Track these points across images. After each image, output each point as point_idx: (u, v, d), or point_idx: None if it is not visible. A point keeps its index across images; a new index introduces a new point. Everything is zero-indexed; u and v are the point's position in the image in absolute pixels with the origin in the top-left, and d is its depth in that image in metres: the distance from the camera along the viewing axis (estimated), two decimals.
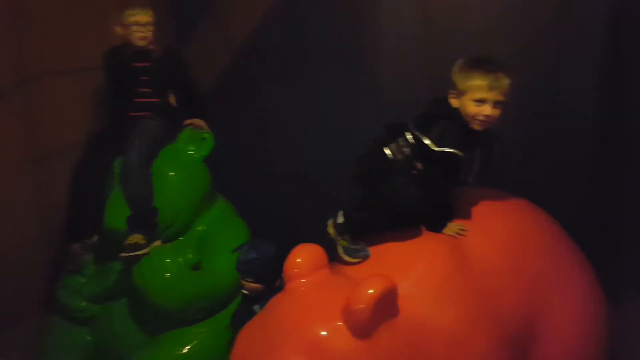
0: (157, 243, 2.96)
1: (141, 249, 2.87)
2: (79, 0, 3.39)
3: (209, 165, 3.19)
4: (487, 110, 2.13)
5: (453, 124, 2.16)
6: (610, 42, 3.18)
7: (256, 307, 2.62)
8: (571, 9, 3.22)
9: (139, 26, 3.07)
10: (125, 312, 3.09)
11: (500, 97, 2.13)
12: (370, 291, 1.87)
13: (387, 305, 1.91)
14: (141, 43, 3.10)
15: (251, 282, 2.56)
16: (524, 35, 3.28)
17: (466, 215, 2.38)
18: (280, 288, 2.43)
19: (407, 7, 3.45)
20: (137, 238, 2.86)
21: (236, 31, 3.71)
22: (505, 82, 2.13)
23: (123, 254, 2.86)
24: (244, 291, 2.60)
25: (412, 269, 2.14)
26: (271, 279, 2.56)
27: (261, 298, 2.56)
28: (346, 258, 2.25)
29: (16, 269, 2.99)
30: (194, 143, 3.15)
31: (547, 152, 3.35)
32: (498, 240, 2.30)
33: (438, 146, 2.13)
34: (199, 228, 3.13)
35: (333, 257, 2.30)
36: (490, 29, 3.29)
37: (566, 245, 2.49)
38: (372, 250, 2.25)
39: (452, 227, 2.27)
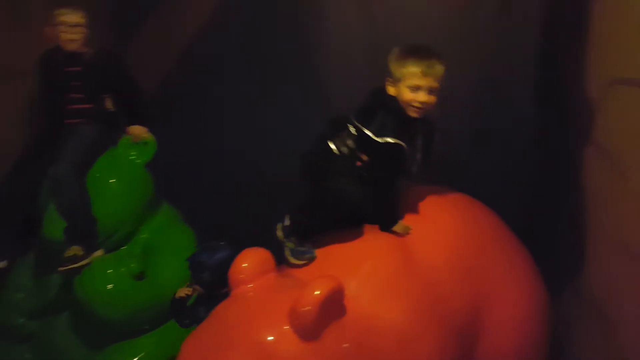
0: (99, 253, 2.86)
1: (80, 261, 2.77)
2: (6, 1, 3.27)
3: (153, 171, 3.12)
4: (422, 96, 2.15)
5: (391, 114, 2.18)
6: (546, 39, 3.28)
7: (201, 309, 2.57)
8: (510, 9, 3.29)
9: (67, 27, 2.93)
10: (67, 326, 2.98)
11: (434, 84, 2.16)
12: (317, 292, 1.85)
13: (334, 306, 1.90)
14: (70, 46, 2.97)
15: (196, 287, 2.53)
16: (465, 34, 3.34)
17: (409, 212, 2.40)
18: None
19: (352, 9, 3.46)
20: (75, 250, 2.76)
21: (180, 33, 3.63)
22: (439, 68, 2.17)
23: (61, 268, 2.75)
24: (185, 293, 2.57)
25: (359, 269, 2.13)
26: (216, 287, 2.50)
27: (206, 300, 2.52)
28: (292, 260, 2.23)
29: None
30: (135, 148, 3.06)
31: (488, 149, 3.42)
32: (441, 236, 2.32)
33: (379, 137, 2.15)
34: (143, 236, 3.06)
35: (281, 261, 2.28)
36: (432, 29, 3.34)
37: (508, 240, 2.54)
38: (319, 252, 2.23)
39: (401, 226, 2.28)
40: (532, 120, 3.36)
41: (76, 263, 2.75)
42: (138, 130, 3.05)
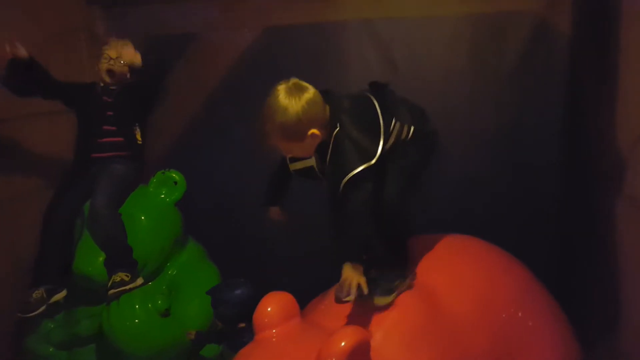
0: (140, 281, 2.92)
1: (127, 285, 2.84)
2: (55, 45, 3.41)
3: (181, 208, 3.18)
4: None
5: None
6: (572, 87, 3.29)
7: (223, 347, 2.75)
8: (533, 56, 3.32)
9: (110, 59, 3.06)
10: (93, 358, 3.02)
11: None
12: (343, 344, 1.86)
13: (359, 357, 1.90)
14: (107, 77, 3.09)
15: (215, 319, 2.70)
16: (489, 81, 3.38)
17: (436, 261, 2.40)
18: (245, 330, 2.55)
19: (372, 54, 3.53)
20: (121, 275, 2.84)
21: (208, 74, 3.73)
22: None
23: (111, 291, 2.81)
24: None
25: (384, 319, 2.14)
26: (233, 321, 2.65)
27: (226, 338, 2.68)
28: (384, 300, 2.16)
29: None
30: (165, 186, 3.13)
31: (515, 198, 3.42)
32: (468, 287, 2.32)
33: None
34: (170, 272, 3.11)
35: (303, 306, 2.29)
36: (455, 73, 3.39)
37: (539, 293, 2.51)
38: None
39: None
40: (558, 169, 3.35)
41: (124, 286, 2.83)
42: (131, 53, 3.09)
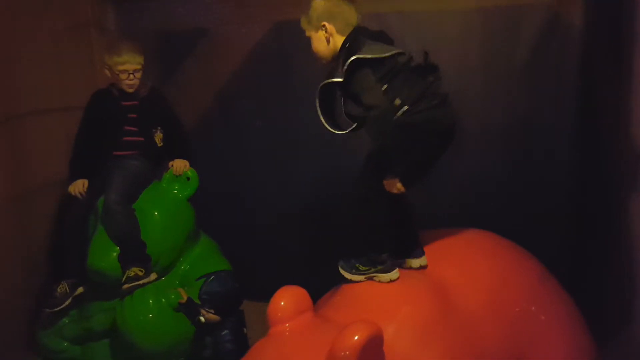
0: (154, 276, 2.95)
1: (141, 280, 2.88)
2: (65, 40, 3.43)
3: (193, 203, 3.19)
4: None
5: None
6: (585, 80, 3.26)
7: (207, 340, 2.87)
8: (546, 50, 3.30)
9: (128, 74, 3.06)
10: (107, 353, 3.05)
11: None
12: (356, 337, 1.86)
13: (372, 351, 1.91)
14: (129, 90, 3.10)
15: (211, 312, 2.80)
16: (499, 75, 3.36)
17: (448, 255, 2.40)
18: (235, 322, 2.81)
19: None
20: (136, 270, 2.87)
21: (220, 69, 3.73)
22: None
23: (125, 286, 2.85)
24: (202, 318, 2.79)
25: (396, 314, 2.15)
26: (229, 313, 2.83)
27: (215, 330, 2.81)
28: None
29: None
30: (178, 182, 3.14)
31: (528, 193, 3.40)
32: (481, 281, 2.32)
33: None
34: (182, 267, 3.12)
35: (316, 300, 2.30)
36: (469, 69, 3.37)
37: (552, 287, 2.51)
38: (355, 294, 2.26)
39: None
40: (572, 164, 3.32)
41: (138, 281, 2.86)
42: (180, 164, 3.14)
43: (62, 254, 3.02)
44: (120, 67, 3.04)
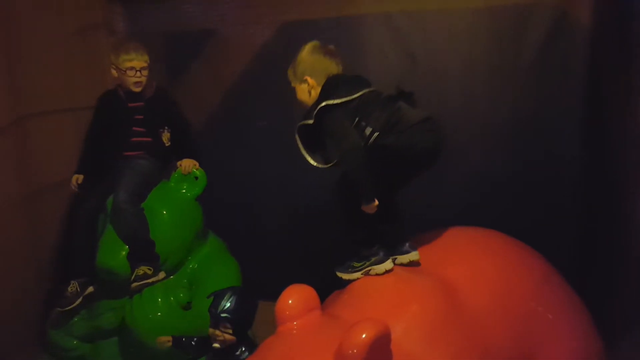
0: (162, 275, 2.97)
1: (150, 278, 2.90)
2: (74, 40, 3.45)
3: (201, 202, 3.21)
4: None
5: None
6: (592, 79, 3.25)
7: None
8: (553, 48, 3.29)
9: (135, 71, 3.08)
10: (115, 350, 3.07)
11: None
12: (363, 335, 1.86)
13: (380, 349, 1.91)
14: (136, 88, 3.11)
15: (228, 332, 2.47)
16: (507, 74, 3.35)
17: (456, 254, 2.40)
18: (249, 341, 2.52)
19: (391, 47, 3.52)
20: (144, 269, 2.89)
21: (227, 69, 3.75)
22: None
23: (134, 284, 2.87)
24: (216, 345, 2.48)
25: (404, 312, 2.15)
26: (246, 332, 2.57)
27: (233, 351, 2.49)
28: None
29: (6, 306, 2.98)
30: (186, 182, 3.17)
31: (536, 191, 3.39)
32: (489, 280, 2.32)
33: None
34: (191, 266, 3.14)
35: (324, 299, 2.31)
36: (474, 65, 3.37)
37: (559, 286, 2.50)
38: (363, 292, 2.26)
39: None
40: (579, 163, 3.31)
41: (147, 279, 2.89)
42: (188, 163, 3.16)
43: (72, 253, 3.05)
44: (128, 64, 3.06)
